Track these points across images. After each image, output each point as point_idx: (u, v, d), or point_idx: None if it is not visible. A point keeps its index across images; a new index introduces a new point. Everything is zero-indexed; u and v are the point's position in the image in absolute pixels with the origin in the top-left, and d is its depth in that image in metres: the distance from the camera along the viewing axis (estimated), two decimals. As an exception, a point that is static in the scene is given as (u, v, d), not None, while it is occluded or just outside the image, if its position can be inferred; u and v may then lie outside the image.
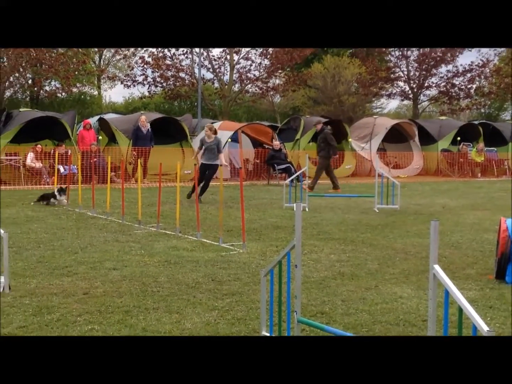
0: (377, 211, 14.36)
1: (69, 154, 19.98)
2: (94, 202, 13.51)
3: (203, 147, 15.62)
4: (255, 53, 34.75)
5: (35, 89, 34.51)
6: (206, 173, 15.53)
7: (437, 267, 4.08)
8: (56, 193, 14.02)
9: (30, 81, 33.93)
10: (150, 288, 7.15)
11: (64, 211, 13.50)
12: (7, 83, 31.13)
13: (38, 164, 20.33)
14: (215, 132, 15.91)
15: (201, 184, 15.20)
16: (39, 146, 20.82)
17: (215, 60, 34.81)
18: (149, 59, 34.28)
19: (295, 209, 5.16)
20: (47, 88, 35.11)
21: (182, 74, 34.52)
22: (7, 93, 32.98)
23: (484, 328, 3.71)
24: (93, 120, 25.40)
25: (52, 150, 20.21)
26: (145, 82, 35.25)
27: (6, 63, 29.02)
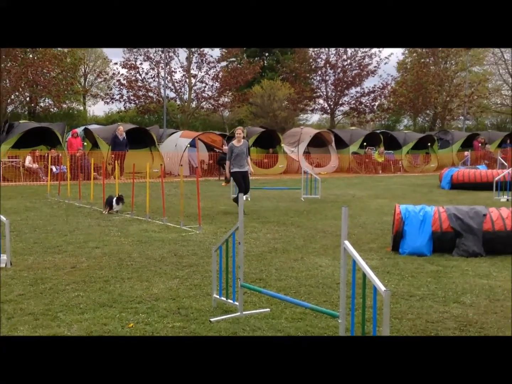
0: (303, 200, 14.47)
1: (60, 157, 19.68)
2: (80, 195, 13.24)
3: (233, 153, 11.67)
4: (208, 77, 34.63)
5: (32, 105, 33.71)
6: (244, 179, 11.57)
7: (347, 243, 4.13)
8: (114, 202, 11.27)
9: (28, 99, 33.08)
10: (125, 262, 7.06)
11: (56, 202, 13.19)
12: (9, 100, 30.26)
13: (35, 165, 19.86)
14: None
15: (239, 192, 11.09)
16: (36, 151, 20.42)
17: (177, 82, 34.45)
18: (124, 82, 33.75)
19: (238, 199, 5.17)
20: (42, 104, 34.21)
21: (151, 94, 34.05)
22: (9, 108, 31.99)
23: (382, 288, 3.76)
24: (79, 130, 24.83)
25: (46, 154, 19.74)
26: (121, 100, 34.64)
27: (8, 84, 28.16)
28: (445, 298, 5.66)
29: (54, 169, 18.65)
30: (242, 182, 11.49)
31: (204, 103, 35.32)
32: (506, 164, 19.69)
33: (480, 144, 29.20)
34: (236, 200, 11.64)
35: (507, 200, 14.56)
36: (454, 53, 39.88)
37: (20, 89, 29.92)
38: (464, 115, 38.91)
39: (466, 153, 26.83)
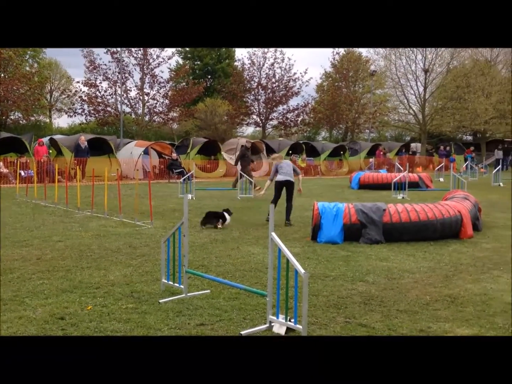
0: (240, 199, 14.48)
1: (27, 162, 18.88)
2: (46, 195, 12.71)
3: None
4: (159, 95, 33.99)
5: (3, 117, 32.07)
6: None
7: (273, 234, 4.15)
8: (225, 213, 9.19)
9: (-1, 112, 31.52)
10: (85, 253, 6.83)
11: (24, 202, 12.60)
12: (-18, 114, 28.82)
13: (5, 170, 18.89)
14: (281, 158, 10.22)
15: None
16: (7, 157, 19.49)
17: (132, 99, 33.66)
18: (86, 98, 32.60)
19: (184, 198, 5.11)
20: (12, 117, 32.59)
21: (109, 109, 33.04)
22: (-18, 121, 30.40)
23: (301, 271, 3.82)
24: (45, 139, 23.82)
25: (16, 160, 18.86)
26: (83, 114, 33.38)
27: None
28: (353, 277, 5.79)
29: (22, 173, 17.86)
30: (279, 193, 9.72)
31: (155, 117, 34.65)
32: (402, 168, 20.41)
33: (381, 152, 30.15)
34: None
35: (402, 197, 15.11)
36: (361, 78, 41.01)
37: (-8, 104, 28.52)
38: (369, 128, 40.07)
39: (370, 159, 27.65)
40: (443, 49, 35.38)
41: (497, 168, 21.62)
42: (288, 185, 9.57)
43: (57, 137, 24.75)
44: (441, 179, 22.74)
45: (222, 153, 25.56)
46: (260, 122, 39.99)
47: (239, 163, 17.11)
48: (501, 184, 20.35)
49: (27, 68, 33.10)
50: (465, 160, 28.76)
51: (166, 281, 5.22)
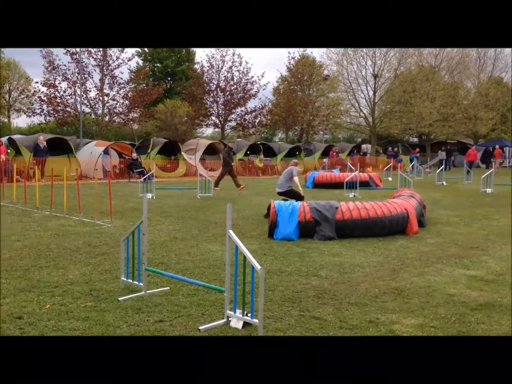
0: (199, 197, 14.37)
1: (-15, 162, 18.05)
2: (4, 195, 12.22)
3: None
4: (119, 96, 33.25)
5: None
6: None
7: (231, 232, 4.14)
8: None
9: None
10: (44, 253, 6.60)
11: (-19, 202, 12.07)
12: None
13: (-39, 169, 18.02)
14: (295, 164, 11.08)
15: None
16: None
17: (91, 100, 32.81)
18: (45, 98, 31.49)
19: (143, 198, 5.01)
20: (-31, 117, 31.24)
21: (68, 109, 32.07)
22: None
23: (258, 267, 3.82)
24: (4, 139, 22.84)
25: (-28, 160, 18.00)
26: (42, 114, 32.24)
27: None
28: (307, 272, 5.86)
29: (-21, 173, 17.06)
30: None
31: (115, 117, 33.90)
32: (353, 168, 20.81)
33: (335, 153, 30.65)
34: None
35: (354, 196, 15.41)
36: (315, 82, 41.54)
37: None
38: (323, 130, 40.65)
39: (324, 160, 28.05)
40: (391, 55, 36.32)
41: (441, 168, 22.38)
42: (282, 195, 10.19)
43: (15, 137, 23.84)
44: (390, 179, 23.33)
45: (182, 153, 25.30)
46: (219, 123, 39.85)
47: (226, 162, 17.37)
48: (444, 183, 21.08)
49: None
50: (411, 160, 29.60)
51: (125, 279, 5.12)
